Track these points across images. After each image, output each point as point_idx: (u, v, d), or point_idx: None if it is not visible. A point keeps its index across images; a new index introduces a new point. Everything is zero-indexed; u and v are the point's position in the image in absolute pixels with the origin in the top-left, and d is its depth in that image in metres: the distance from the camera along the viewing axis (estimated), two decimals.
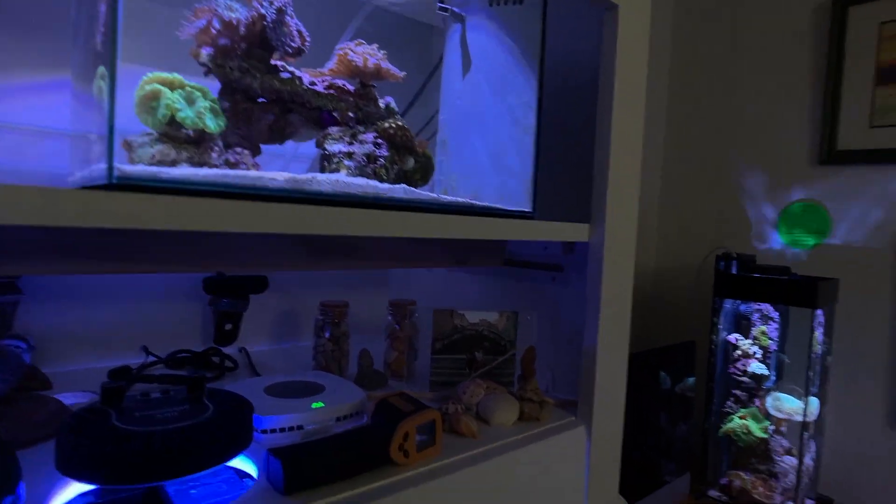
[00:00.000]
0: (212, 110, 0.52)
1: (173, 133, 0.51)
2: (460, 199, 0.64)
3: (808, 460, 1.46)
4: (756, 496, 1.43)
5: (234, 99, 0.59)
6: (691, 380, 1.60)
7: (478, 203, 0.67)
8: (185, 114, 0.50)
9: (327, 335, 0.89)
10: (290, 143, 0.70)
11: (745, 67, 1.74)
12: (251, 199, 0.47)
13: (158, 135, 0.51)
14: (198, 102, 0.51)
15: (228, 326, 0.96)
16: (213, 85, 0.58)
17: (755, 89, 1.72)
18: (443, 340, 0.83)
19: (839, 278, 1.54)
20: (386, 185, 0.57)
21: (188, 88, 0.51)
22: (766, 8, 1.70)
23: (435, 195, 0.61)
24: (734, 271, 1.51)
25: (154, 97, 0.50)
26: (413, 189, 0.60)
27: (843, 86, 1.58)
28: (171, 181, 0.44)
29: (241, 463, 0.60)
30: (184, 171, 0.45)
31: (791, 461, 1.44)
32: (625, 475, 0.92)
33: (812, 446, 1.49)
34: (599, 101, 0.74)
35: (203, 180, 0.46)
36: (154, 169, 0.44)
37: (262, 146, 0.65)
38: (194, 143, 0.53)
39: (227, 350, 0.96)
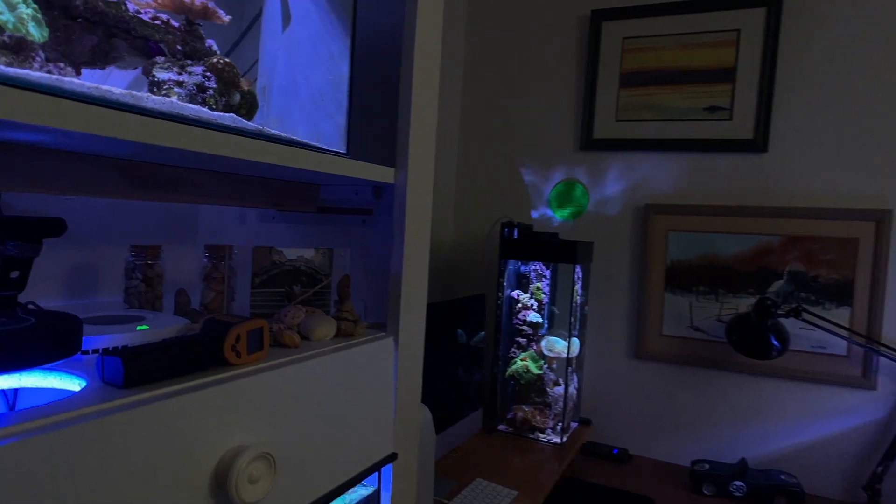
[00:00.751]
0: (34, 19, 0.52)
1: None
2: (283, 134, 0.72)
3: (572, 390, 1.77)
4: (535, 423, 1.70)
5: (52, 15, 0.59)
6: (483, 333, 1.84)
7: (299, 140, 0.74)
8: (6, 17, 0.50)
9: (139, 276, 0.89)
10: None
11: (526, 66, 2.03)
12: None
13: None
14: (19, 7, 0.52)
15: (15, 274, 0.89)
16: None
17: (533, 85, 2.02)
18: (262, 276, 0.89)
19: (593, 241, 1.89)
20: (217, 113, 0.63)
21: None
22: (542, 15, 2.00)
23: (260, 126, 0.68)
24: (515, 237, 1.77)
25: None
26: (241, 119, 0.66)
27: (598, 86, 1.93)
28: (2, 76, 0.45)
29: (66, 383, 0.60)
30: (16, 70, 0.46)
31: (559, 391, 1.74)
32: None
33: (574, 379, 1.82)
34: (403, 56, 0.86)
35: (38, 81, 0.47)
36: None
37: (84, 72, 0.65)
38: (12, 51, 0.53)
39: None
